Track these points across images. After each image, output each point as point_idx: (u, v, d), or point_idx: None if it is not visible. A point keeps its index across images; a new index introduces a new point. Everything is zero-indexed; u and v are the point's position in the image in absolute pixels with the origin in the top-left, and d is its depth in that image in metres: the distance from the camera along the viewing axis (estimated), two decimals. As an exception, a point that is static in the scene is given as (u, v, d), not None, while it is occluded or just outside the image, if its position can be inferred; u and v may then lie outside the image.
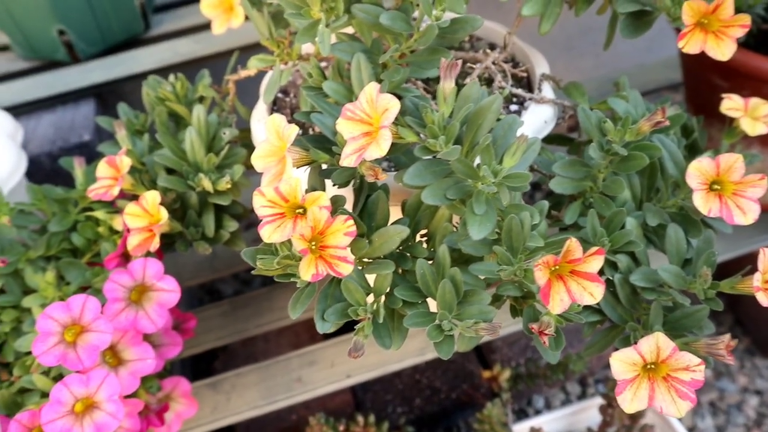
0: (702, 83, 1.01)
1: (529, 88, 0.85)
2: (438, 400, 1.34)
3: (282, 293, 1.14)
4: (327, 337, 1.28)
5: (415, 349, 1.02)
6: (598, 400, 1.20)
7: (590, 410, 1.22)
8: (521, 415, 1.40)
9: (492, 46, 0.92)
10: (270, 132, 0.65)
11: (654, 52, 1.90)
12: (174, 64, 1.14)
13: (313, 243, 0.60)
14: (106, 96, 1.33)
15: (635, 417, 1.09)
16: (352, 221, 0.59)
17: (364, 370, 1.02)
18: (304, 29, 0.68)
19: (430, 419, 1.35)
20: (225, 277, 1.60)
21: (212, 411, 1.01)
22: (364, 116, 0.62)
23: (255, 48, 1.03)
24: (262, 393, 1.02)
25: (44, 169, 1.16)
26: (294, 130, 0.62)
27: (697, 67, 1.02)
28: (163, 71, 0.99)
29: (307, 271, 0.59)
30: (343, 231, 0.59)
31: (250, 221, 1.41)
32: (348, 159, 0.60)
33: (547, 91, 0.83)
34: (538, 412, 1.40)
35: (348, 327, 1.26)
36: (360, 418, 1.12)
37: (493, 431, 1.11)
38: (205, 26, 1.34)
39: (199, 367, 1.32)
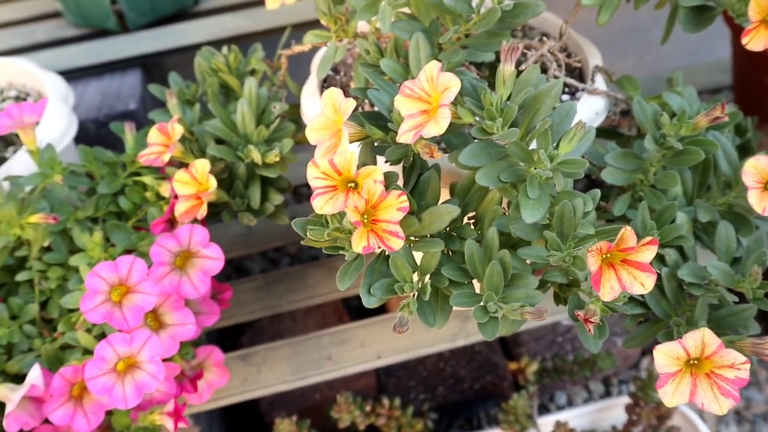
0: (754, 85, 1.00)
1: (581, 79, 0.85)
2: (461, 390, 1.34)
3: (315, 272, 1.15)
4: (355, 318, 1.29)
5: (446, 335, 1.03)
6: (624, 399, 1.19)
7: (616, 409, 1.21)
8: (543, 410, 1.40)
9: (544, 36, 0.92)
10: (326, 105, 0.65)
11: (698, 55, 1.88)
12: (221, 39, 1.15)
13: (366, 216, 0.60)
14: (152, 67, 1.34)
15: (662, 418, 1.09)
16: (405, 197, 0.60)
17: (394, 352, 1.02)
18: (366, 5, 0.69)
19: (452, 408, 1.36)
20: (253, 255, 1.61)
21: (242, 383, 1.02)
22: (423, 94, 0.62)
23: (302, 27, 1.03)
24: (293, 368, 1.02)
25: (89, 135, 1.17)
26: (351, 104, 0.63)
27: (751, 69, 1.01)
28: (210, 45, 0.99)
29: (358, 243, 0.59)
30: (396, 206, 0.60)
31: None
32: (405, 135, 0.61)
33: (600, 82, 0.82)
34: (560, 409, 1.40)
35: (379, 310, 1.27)
36: (386, 401, 1.13)
37: (518, 422, 1.11)
38: (253, 3, 1.35)
39: (224, 341, 1.34)
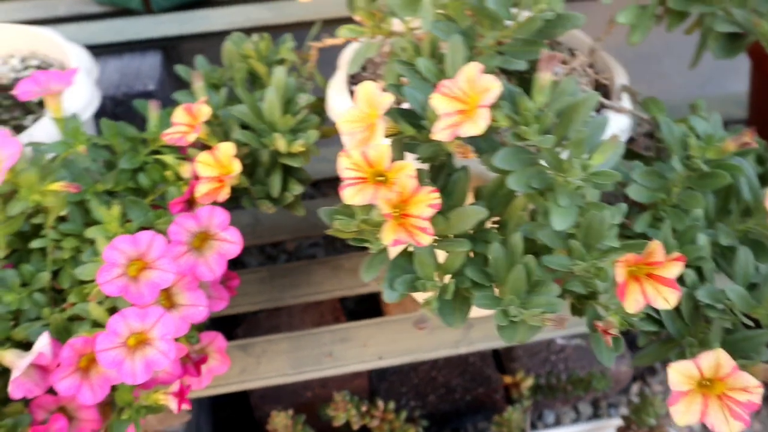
0: (770, 120, 1.02)
1: (606, 96, 0.86)
2: (452, 400, 1.34)
3: (320, 269, 1.15)
4: (351, 319, 1.29)
5: (449, 341, 1.03)
6: (616, 421, 1.20)
7: (606, 431, 1.22)
8: (531, 427, 1.40)
9: (571, 52, 0.93)
10: (361, 98, 0.65)
11: (706, 89, 1.91)
12: (243, 28, 1.14)
13: (396, 210, 0.61)
14: (172, 50, 1.34)
15: (654, 442, 1.09)
16: (437, 194, 0.60)
17: (396, 354, 1.02)
18: (407, 3, 0.69)
19: (441, 417, 1.35)
20: (251, 249, 1.60)
21: (240, 372, 1.02)
22: (461, 94, 0.62)
23: (325, 24, 1.04)
24: (292, 362, 1.02)
25: (106, 113, 1.17)
26: (388, 99, 0.63)
27: (767, 104, 1.03)
28: (233, 33, 1.00)
29: (388, 236, 0.59)
30: (427, 202, 0.60)
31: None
32: (441, 133, 0.61)
33: (626, 102, 0.83)
34: (548, 427, 1.40)
35: (376, 312, 1.27)
36: (380, 403, 1.13)
37: (511, 435, 1.11)
38: (279, -5, 1.36)
39: (219, 330, 1.33)
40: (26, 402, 0.75)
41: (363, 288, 1.12)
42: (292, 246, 1.62)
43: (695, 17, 0.83)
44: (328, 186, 1.62)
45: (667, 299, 0.58)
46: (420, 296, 1.09)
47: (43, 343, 0.72)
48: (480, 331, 1.04)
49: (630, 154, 0.88)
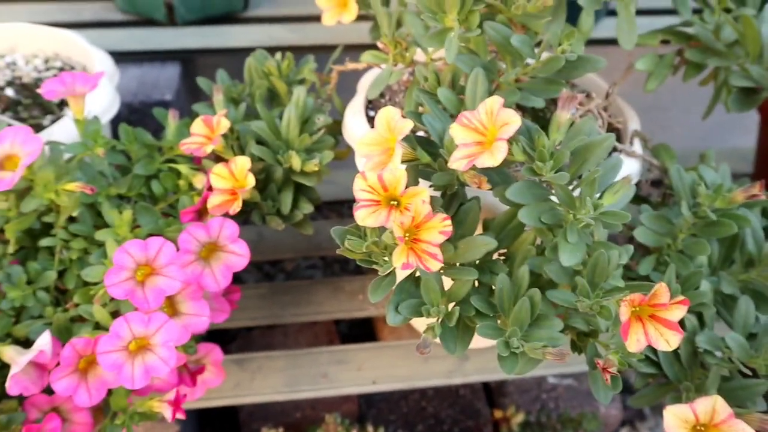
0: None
1: (619, 140, 0.87)
2: (440, 431, 1.34)
3: (322, 289, 1.16)
4: (345, 342, 1.29)
5: (443, 371, 1.03)
6: (604, 465, 1.20)
7: (594, 473, 1.22)
8: (518, 464, 1.39)
9: (586, 94, 0.95)
10: (381, 122, 0.67)
11: (708, 141, 1.93)
12: (265, 47, 1.16)
13: (408, 234, 0.61)
14: (191, 63, 1.36)
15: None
16: (449, 221, 0.61)
17: (390, 379, 1.02)
18: (434, 34, 0.71)
19: (429, 448, 1.35)
20: (249, 267, 1.61)
21: (234, 387, 1.02)
22: (480, 126, 0.64)
23: (346, 49, 1.06)
24: (287, 380, 1.02)
25: (121, 119, 1.17)
26: (408, 125, 0.64)
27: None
28: (253, 52, 1.02)
29: (398, 259, 0.60)
30: (439, 229, 0.61)
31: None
32: (457, 163, 0.62)
33: (637, 146, 0.85)
34: (534, 465, 1.40)
35: (370, 337, 1.27)
36: (370, 428, 1.12)
37: (498, 470, 1.11)
38: (302, 18, 1.37)
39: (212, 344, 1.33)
40: (21, 400, 0.75)
41: (361, 311, 1.13)
42: (290, 266, 1.63)
43: (711, 70, 0.85)
44: (330, 209, 1.63)
45: (668, 341, 0.59)
46: (419, 323, 1.10)
47: (44, 341, 0.72)
48: (475, 363, 1.04)
49: (637, 198, 0.90)
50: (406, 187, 0.63)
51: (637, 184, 0.89)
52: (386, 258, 0.64)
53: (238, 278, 1.63)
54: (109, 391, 0.76)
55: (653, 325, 0.60)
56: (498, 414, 1.27)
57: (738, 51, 0.78)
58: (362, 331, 1.38)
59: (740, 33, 0.76)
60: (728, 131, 1.92)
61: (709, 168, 0.79)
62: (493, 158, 0.60)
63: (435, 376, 1.03)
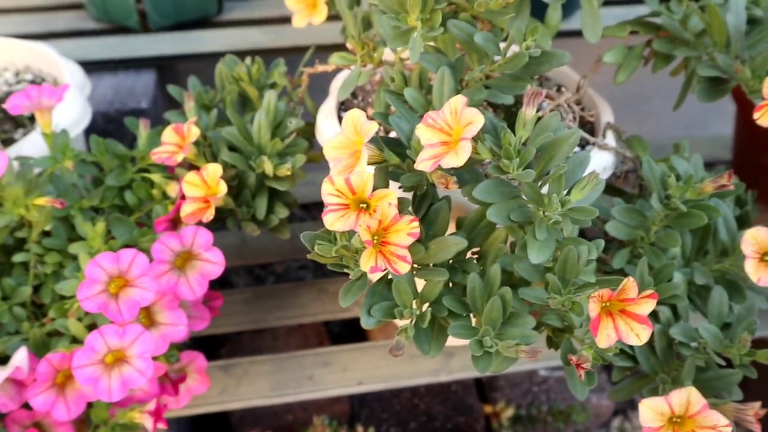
0: (753, 163, 1.03)
1: (592, 133, 0.87)
2: (432, 427, 1.34)
3: (306, 291, 1.15)
4: (335, 343, 1.29)
5: (429, 369, 1.03)
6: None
7: (584, 464, 1.22)
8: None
9: (558, 88, 0.94)
10: (347, 125, 0.66)
11: (694, 130, 1.93)
12: (239, 51, 1.16)
13: (376, 237, 0.61)
14: (167, 69, 1.35)
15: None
16: (417, 223, 0.61)
17: (376, 380, 1.02)
18: (397, 34, 0.70)
19: (421, 445, 1.35)
20: (239, 270, 1.61)
21: (220, 393, 1.01)
22: (445, 126, 0.64)
23: (320, 49, 1.05)
24: (273, 384, 1.02)
25: (97, 128, 1.17)
26: (373, 127, 0.64)
27: (751, 147, 1.04)
28: (227, 55, 1.02)
29: (366, 263, 0.60)
30: (406, 231, 0.61)
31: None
32: (423, 164, 0.62)
33: (610, 139, 0.84)
34: (527, 458, 1.40)
35: (359, 337, 1.27)
36: (360, 428, 1.12)
37: (488, 465, 1.11)
38: (276, 20, 1.37)
39: (203, 351, 1.33)
40: (1, 417, 0.75)
41: (347, 312, 1.12)
42: (280, 268, 1.62)
43: (680, 60, 0.85)
44: (318, 209, 1.62)
45: (639, 335, 0.59)
46: (401, 323, 1.10)
47: (20, 357, 0.72)
48: (460, 360, 1.04)
49: (613, 190, 0.90)
50: (375, 190, 0.63)
51: (617, 177, 0.89)
52: (356, 261, 0.64)
53: (228, 282, 1.63)
54: (90, 404, 0.76)
55: (623, 320, 0.60)
56: (488, 409, 1.28)
57: (706, 41, 0.78)
58: (354, 330, 1.38)
59: (707, 23, 0.76)
60: (714, 118, 1.92)
61: (681, 159, 0.79)
62: (458, 158, 0.60)
63: (421, 374, 1.03)
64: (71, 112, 0.91)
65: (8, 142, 0.92)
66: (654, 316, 0.71)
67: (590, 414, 1.23)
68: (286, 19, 1.37)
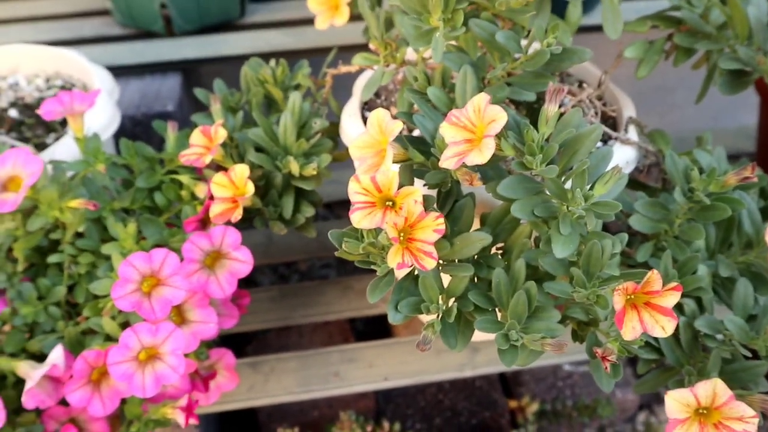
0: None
1: (614, 128, 0.88)
2: (458, 423, 1.35)
3: (331, 289, 1.17)
4: (360, 340, 1.30)
5: (455, 364, 1.04)
6: (620, 450, 1.20)
7: (610, 458, 1.22)
8: (536, 453, 1.40)
9: (580, 84, 0.95)
10: (372, 124, 0.68)
11: (719, 121, 1.92)
12: (263, 53, 1.18)
13: (403, 234, 0.62)
14: (192, 72, 1.37)
15: (657, 471, 1.10)
16: (442, 219, 0.62)
17: (401, 375, 1.03)
18: (420, 34, 0.71)
19: (447, 440, 1.36)
20: (264, 269, 1.63)
21: (248, 389, 1.03)
22: (468, 124, 0.64)
23: (343, 50, 1.07)
24: (300, 381, 1.04)
25: (125, 132, 1.20)
26: (399, 126, 0.65)
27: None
28: (252, 58, 1.03)
29: (393, 259, 0.61)
30: (432, 227, 0.62)
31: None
32: (448, 161, 0.63)
33: (633, 134, 0.85)
34: (551, 453, 1.40)
35: (385, 334, 1.28)
36: (386, 424, 1.14)
37: (514, 460, 1.12)
38: (297, 22, 1.39)
39: (230, 348, 1.35)
40: (39, 412, 0.77)
41: (372, 309, 1.14)
42: (304, 266, 1.64)
43: (702, 53, 0.85)
44: (341, 208, 1.64)
45: (664, 327, 0.59)
46: (426, 319, 1.11)
47: (57, 355, 0.74)
48: (485, 355, 1.05)
49: (636, 184, 0.90)
50: (400, 188, 0.64)
51: (640, 171, 0.89)
52: (383, 258, 0.65)
53: (252, 281, 1.65)
54: (124, 400, 0.78)
55: (648, 312, 0.60)
56: (513, 404, 1.28)
57: (727, 33, 0.78)
58: (378, 327, 1.39)
59: (728, 15, 0.76)
60: (739, 109, 1.91)
61: (704, 152, 0.79)
62: (482, 155, 0.61)
63: (446, 369, 1.04)
64: (101, 116, 0.93)
65: (41, 146, 0.94)
66: (679, 308, 0.71)
67: (615, 408, 1.23)
68: (307, 21, 1.38)
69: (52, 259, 0.82)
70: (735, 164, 0.87)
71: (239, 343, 1.36)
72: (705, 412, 0.63)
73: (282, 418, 1.29)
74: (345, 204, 1.62)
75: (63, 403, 0.75)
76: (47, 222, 0.77)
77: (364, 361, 1.06)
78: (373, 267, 0.66)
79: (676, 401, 0.62)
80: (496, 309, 0.68)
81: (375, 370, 1.05)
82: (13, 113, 1.00)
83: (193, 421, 0.79)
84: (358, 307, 1.14)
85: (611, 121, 0.89)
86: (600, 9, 0.76)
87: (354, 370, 1.05)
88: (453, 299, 0.68)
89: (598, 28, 1.19)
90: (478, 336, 0.69)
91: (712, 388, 0.62)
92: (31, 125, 0.99)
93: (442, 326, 0.66)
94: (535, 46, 0.72)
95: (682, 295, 0.72)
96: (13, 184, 0.74)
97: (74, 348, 0.79)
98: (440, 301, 0.67)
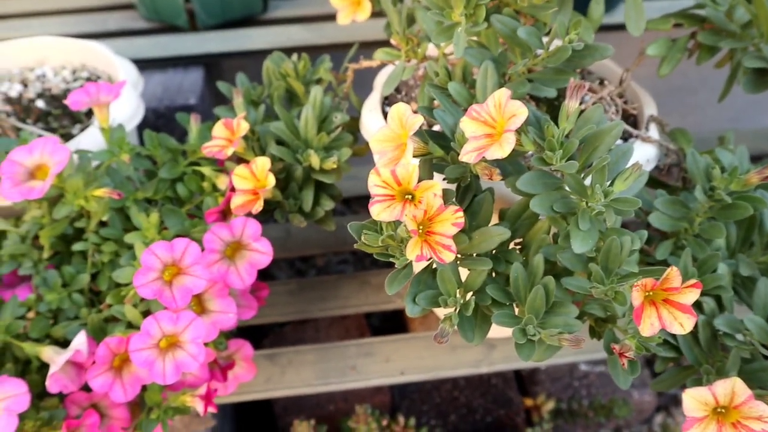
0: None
1: (635, 126, 0.87)
2: (472, 420, 1.35)
3: (348, 283, 1.18)
4: (376, 334, 1.30)
5: (470, 360, 1.04)
6: (636, 450, 1.20)
7: (626, 458, 1.22)
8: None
9: (601, 81, 0.95)
10: (393, 119, 0.68)
11: (740, 122, 1.91)
12: (284, 48, 1.18)
13: (422, 227, 0.63)
14: (214, 66, 1.39)
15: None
16: (462, 213, 0.62)
17: (418, 370, 1.04)
18: (441, 30, 0.72)
19: (462, 437, 1.36)
20: (281, 263, 1.64)
21: (266, 381, 1.04)
22: (489, 119, 0.65)
23: (364, 46, 1.07)
24: (317, 373, 1.04)
25: (147, 124, 1.22)
26: (419, 120, 0.66)
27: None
28: (274, 52, 1.04)
29: (412, 252, 0.62)
30: (451, 221, 0.62)
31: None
32: (468, 156, 0.63)
33: (653, 132, 0.85)
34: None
35: (400, 330, 1.29)
36: (401, 419, 1.14)
37: (529, 457, 1.12)
38: (319, 17, 1.40)
39: (246, 340, 1.36)
40: (61, 397, 0.79)
41: (389, 304, 1.14)
42: (321, 261, 1.65)
43: (725, 52, 0.85)
44: (358, 203, 1.65)
45: (683, 324, 0.59)
46: (442, 313, 1.11)
47: (81, 341, 0.75)
48: (502, 351, 1.05)
49: (656, 183, 0.90)
50: (420, 181, 0.64)
51: (660, 169, 0.89)
52: (402, 251, 0.65)
53: (269, 275, 1.66)
54: (144, 387, 0.79)
55: (667, 309, 0.60)
56: (528, 402, 1.28)
57: (752, 32, 0.78)
58: (394, 323, 1.40)
59: (753, 14, 0.76)
60: (760, 111, 1.89)
61: (726, 150, 0.78)
62: (502, 150, 0.61)
63: (462, 365, 1.04)
64: (126, 108, 0.94)
65: (66, 137, 0.96)
66: (698, 307, 0.71)
67: (632, 409, 1.22)
68: (328, 17, 1.39)
69: (77, 247, 0.83)
70: (757, 164, 0.87)
71: (256, 337, 1.37)
72: (723, 411, 0.62)
73: (298, 412, 1.30)
74: (362, 199, 1.64)
75: (85, 389, 0.77)
76: (72, 210, 0.79)
77: (381, 355, 1.07)
78: (391, 259, 0.67)
79: (694, 399, 0.62)
80: (514, 304, 0.68)
81: (392, 365, 1.05)
82: (40, 104, 1.02)
83: (211, 409, 0.80)
84: (376, 302, 1.14)
85: (632, 119, 0.88)
86: (622, 8, 0.76)
87: (371, 364, 1.06)
88: (471, 293, 0.68)
89: (619, 27, 1.19)
90: (494, 332, 0.70)
91: (731, 387, 0.61)
92: (58, 116, 1.00)
93: (459, 319, 0.67)
94: (557, 42, 0.72)
95: (702, 294, 0.72)
96: (41, 173, 0.75)
97: (97, 335, 0.80)
98: (458, 295, 0.67)
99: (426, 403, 1.37)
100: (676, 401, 1.48)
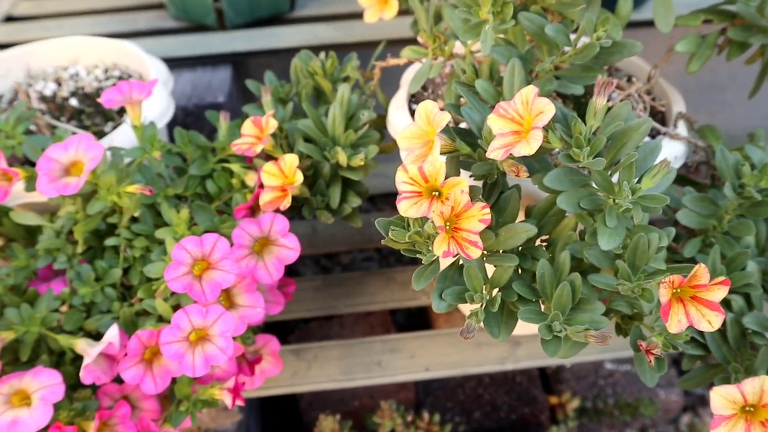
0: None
1: (663, 123, 0.87)
2: (497, 418, 1.35)
3: (374, 280, 1.18)
4: (400, 331, 1.31)
5: (495, 357, 1.04)
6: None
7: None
8: (576, 450, 1.40)
9: (629, 78, 0.94)
10: (420, 116, 0.69)
11: (770, 121, 1.88)
12: (311, 46, 1.20)
13: (449, 223, 0.63)
14: (241, 64, 1.40)
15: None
16: (488, 209, 0.63)
17: (443, 366, 1.04)
18: (469, 27, 0.72)
19: (486, 434, 1.36)
20: (306, 261, 1.65)
21: (292, 376, 1.05)
22: (516, 116, 0.65)
23: (391, 44, 1.08)
24: (342, 369, 1.05)
25: (177, 122, 1.24)
26: (446, 118, 0.66)
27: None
28: (302, 51, 1.05)
29: (439, 248, 0.62)
30: (478, 217, 0.63)
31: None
32: (495, 152, 0.64)
33: (682, 129, 0.84)
34: (591, 452, 1.40)
35: (425, 328, 1.29)
36: (426, 415, 1.15)
37: (554, 455, 1.12)
38: (346, 16, 1.41)
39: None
40: (94, 389, 0.81)
41: (414, 301, 1.15)
42: (346, 259, 1.66)
43: (756, 48, 0.84)
44: (383, 201, 1.66)
45: (710, 322, 0.59)
46: (468, 309, 1.12)
47: (113, 333, 0.77)
48: (527, 349, 1.05)
49: (684, 181, 0.89)
50: (447, 178, 0.65)
51: (688, 167, 0.88)
52: (429, 247, 0.66)
53: (295, 271, 1.68)
54: (174, 380, 0.81)
55: (695, 306, 0.60)
56: (553, 400, 1.28)
57: (783, 28, 0.77)
58: (419, 320, 1.41)
59: (784, 9, 0.75)
60: (792, 109, 1.86)
61: (756, 147, 0.78)
62: (529, 147, 0.61)
63: (487, 362, 1.04)
64: (157, 106, 0.96)
65: (99, 134, 0.97)
66: (727, 304, 0.71)
67: (658, 408, 1.21)
68: (355, 15, 1.40)
69: (109, 242, 0.85)
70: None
71: (282, 333, 1.38)
72: (752, 409, 0.62)
73: (323, 407, 1.32)
74: (388, 197, 1.65)
75: (117, 380, 0.78)
76: (105, 206, 0.80)
77: (406, 351, 1.07)
78: (418, 256, 0.67)
79: (722, 397, 0.62)
80: (540, 300, 0.69)
81: (417, 361, 1.06)
82: (73, 102, 1.04)
83: (239, 402, 0.81)
84: (401, 299, 1.15)
85: (660, 116, 0.88)
86: (650, 4, 0.75)
87: (396, 359, 1.06)
88: (497, 289, 0.68)
89: (647, 23, 1.19)
90: (520, 329, 0.70)
91: (760, 386, 0.61)
92: (90, 114, 1.02)
93: (485, 315, 0.67)
94: (584, 39, 0.72)
95: (730, 291, 0.71)
96: (75, 169, 0.77)
97: (128, 328, 0.82)
98: (484, 291, 0.67)
99: (450, 400, 1.38)
100: (704, 401, 1.46)
